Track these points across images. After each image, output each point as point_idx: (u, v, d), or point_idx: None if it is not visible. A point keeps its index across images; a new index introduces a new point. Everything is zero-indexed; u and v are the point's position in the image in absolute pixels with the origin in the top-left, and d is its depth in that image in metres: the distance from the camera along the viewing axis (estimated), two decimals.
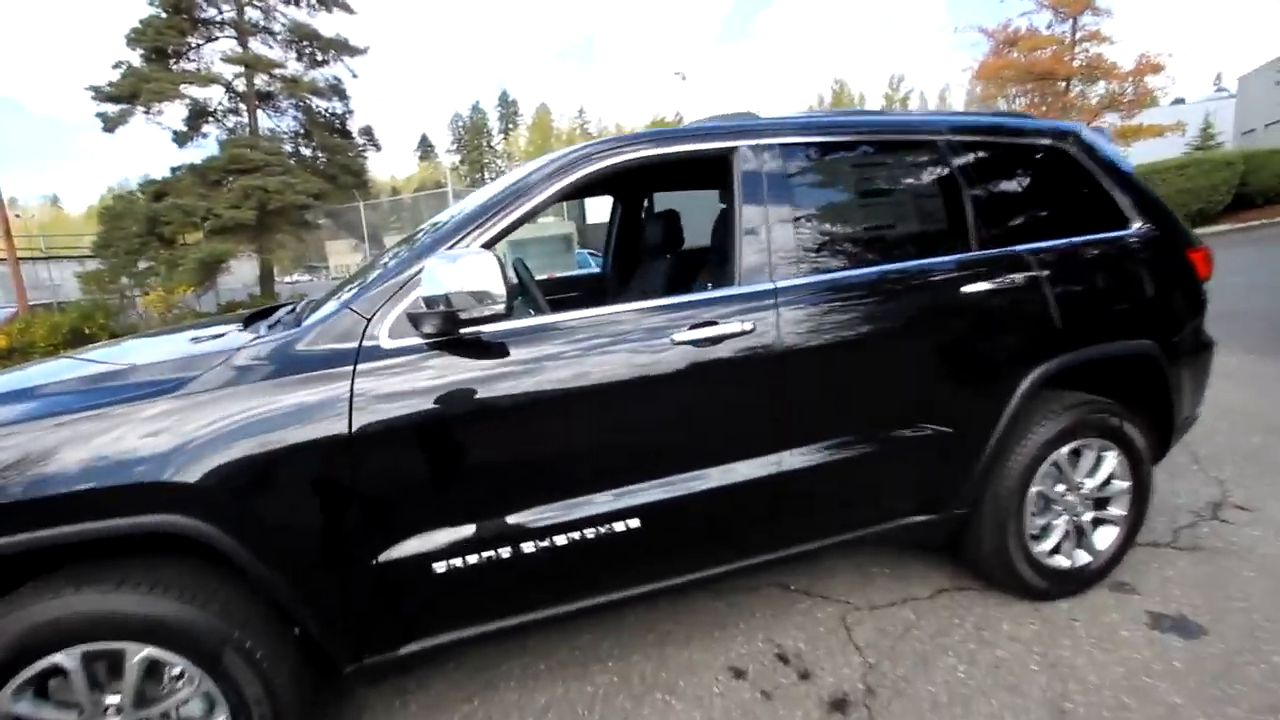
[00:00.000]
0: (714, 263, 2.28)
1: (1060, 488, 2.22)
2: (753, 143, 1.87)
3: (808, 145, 1.95)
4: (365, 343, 1.50)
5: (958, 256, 2.00)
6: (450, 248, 1.60)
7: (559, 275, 4.26)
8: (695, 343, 1.69)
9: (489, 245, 1.64)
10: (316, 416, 1.42)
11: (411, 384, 1.50)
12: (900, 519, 2.05)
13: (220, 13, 17.50)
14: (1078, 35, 19.60)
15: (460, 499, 1.58)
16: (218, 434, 1.36)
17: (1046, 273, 2.05)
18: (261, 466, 1.38)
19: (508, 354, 1.59)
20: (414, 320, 1.52)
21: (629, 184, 3.19)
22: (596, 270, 3.63)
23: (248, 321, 1.98)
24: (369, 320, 1.53)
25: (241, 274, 18.88)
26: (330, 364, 1.47)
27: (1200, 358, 2.41)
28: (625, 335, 1.67)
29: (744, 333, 1.72)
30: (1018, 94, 20.16)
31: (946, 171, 2.06)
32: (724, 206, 2.22)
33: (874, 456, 1.92)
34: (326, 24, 18.99)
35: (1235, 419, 3.82)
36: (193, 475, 1.33)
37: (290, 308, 2.03)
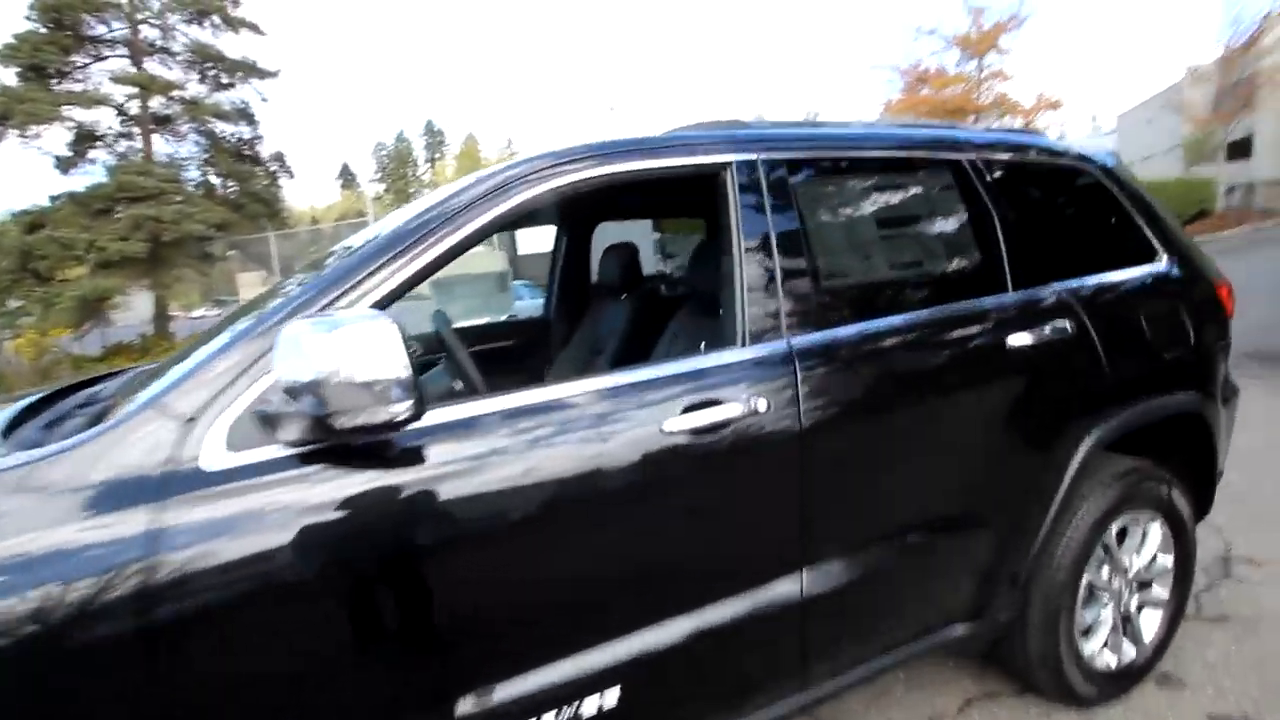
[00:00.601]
0: (695, 310, 1.83)
1: (1106, 572, 1.87)
2: (752, 157, 1.44)
3: (821, 161, 1.53)
4: (180, 465, 0.94)
5: (997, 300, 1.63)
6: (327, 306, 1.07)
7: (491, 321, 3.71)
8: (694, 431, 1.23)
9: (387, 303, 1.12)
10: (81, 605, 0.85)
11: (261, 527, 0.95)
12: (939, 633, 1.63)
13: (110, 30, 16.10)
14: (983, 74, 20.85)
15: (343, 701, 1.03)
16: None
17: (1093, 316, 1.71)
18: None
19: (423, 459, 1.07)
20: (266, 422, 0.98)
21: (580, 210, 2.67)
22: (537, 314, 3.11)
23: (15, 422, 1.32)
24: (190, 424, 0.97)
25: (141, 311, 17.15)
26: (112, 506, 0.90)
27: (1231, 405, 2.14)
28: (594, 423, 1.18)
29: (755, 414, 1.27)
30: None
31: (976, 196, 1.69)
32: (704, 240, 1.79)
33: (915, 561, 1.50)
34: (233, 45, 17.75)
35: None
36: None
37: (101, 387, 1.43)
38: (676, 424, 1.21)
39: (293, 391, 0.90)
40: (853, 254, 1.59)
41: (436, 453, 1.08)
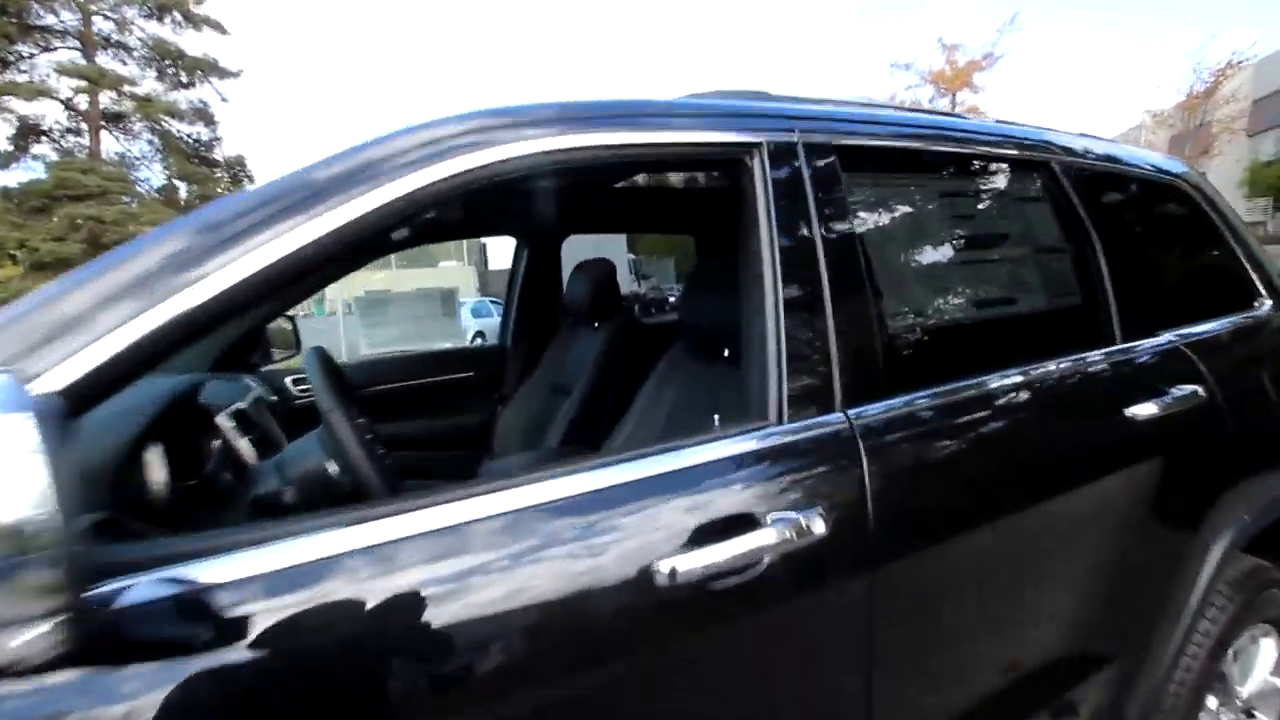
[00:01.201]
0: (692, 350, 1.36)
1: (1215, 704, 1.44)
2: (790, 138, 0.97)
3: (885, 151, 1.07)
4: None
5: (1115, 354, 1.20)
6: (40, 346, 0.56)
7: (436, 348, 3.19)
8: (707, 578, 0.74)
9: (100, 389, 0.58)
10: None
11: None
12: None
13: (61, 21, 15.31)
14: (957, 109, 21.19)
15: None
16: None
17: (1218, 377, 1.30)
18: None
19: (244, 633, 0.58)
20: None
21: (544, 212, 2.09)
22: (491, 341, 2.61)
23: None
24: None
25: None
26: None
27: None
28: (542, 568, 0.69)
29: (805, 537, 0.79)
30: None
31: (1076, 217, 1.26)
32: (704, 256, 1.33)
33: None
34: (194, 43, 17.02)
35: None
36: None
37: None
38: (678, 565, 0.72)
39: None
40: (931, 286, 1.14)
41: (267, 614, 0.59)
